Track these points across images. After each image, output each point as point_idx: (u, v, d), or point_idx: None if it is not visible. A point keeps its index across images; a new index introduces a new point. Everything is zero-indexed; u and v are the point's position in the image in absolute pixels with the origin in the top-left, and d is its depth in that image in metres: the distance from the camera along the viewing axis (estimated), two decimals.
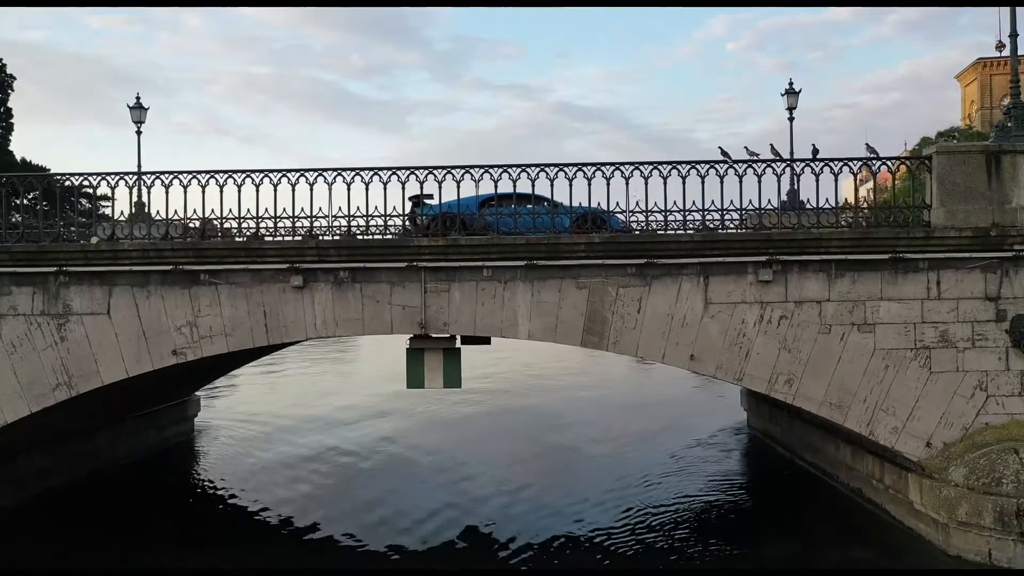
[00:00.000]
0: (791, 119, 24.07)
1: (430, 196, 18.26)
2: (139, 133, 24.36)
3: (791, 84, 23.69)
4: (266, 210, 13.67)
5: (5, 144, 74.16)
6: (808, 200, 18.11)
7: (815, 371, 13.20)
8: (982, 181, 13.09)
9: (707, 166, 13.37)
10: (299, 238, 13.60)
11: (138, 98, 24.23)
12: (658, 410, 27.85)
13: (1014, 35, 14.44)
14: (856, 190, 13.95)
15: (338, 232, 13.63)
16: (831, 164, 13.45)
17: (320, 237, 13.60)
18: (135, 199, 23.47)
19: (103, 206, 71.39)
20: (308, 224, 13.62)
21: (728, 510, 17.12)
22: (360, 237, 13.59)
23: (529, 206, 14.00)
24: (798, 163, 13.63)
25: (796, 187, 22.94)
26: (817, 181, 13.33)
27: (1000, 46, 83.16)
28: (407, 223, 15.99)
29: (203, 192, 13.68)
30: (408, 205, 14.33)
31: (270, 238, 13.67)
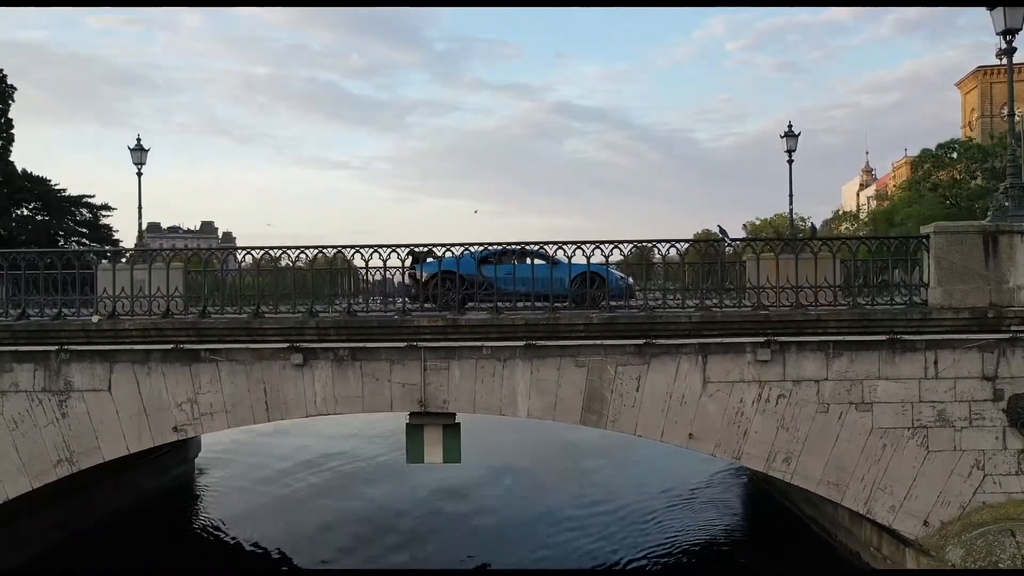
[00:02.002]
0: (790, 161, 24.14)
1: (430, 252, 18.40)
2: (140, 175, 24.45)
3: (790, 127, 23.77)
4: (266, 285, 13.73)
5: (6, 155, 74.17)
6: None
7: (813, 450, 13.27)
8: (979, 261, 13.13)
9: (706, 245, 13.42)
10: (299, 314, 13.64)
11: (139, 139, 24.35)
12: (657, 444, 27.95)
13: (1011, 103, 14.48)
14: (853, 278, 13.93)
15: (338, 309, 13.67)
16: (829, 243, 13.51)
17: (320, 315, 13.65)
18: (136, 242, 23.60)
19: (104, 215, 69.99)
20: (308, 302, 13.65)
21: (723, 560, 17.25)
22: (360, 314, 13.64)
23: (529, 261, 14.18)
24: (796, 242, 13.63)
25: (795, 227, 23.05)
26: (815, 260, 13.37)
27: (1000, 53, 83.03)
28: (406, 279, 16.11)
29: (204, 268, 13.74)
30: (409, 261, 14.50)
31: (270, 314, 13.70)
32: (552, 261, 17.70)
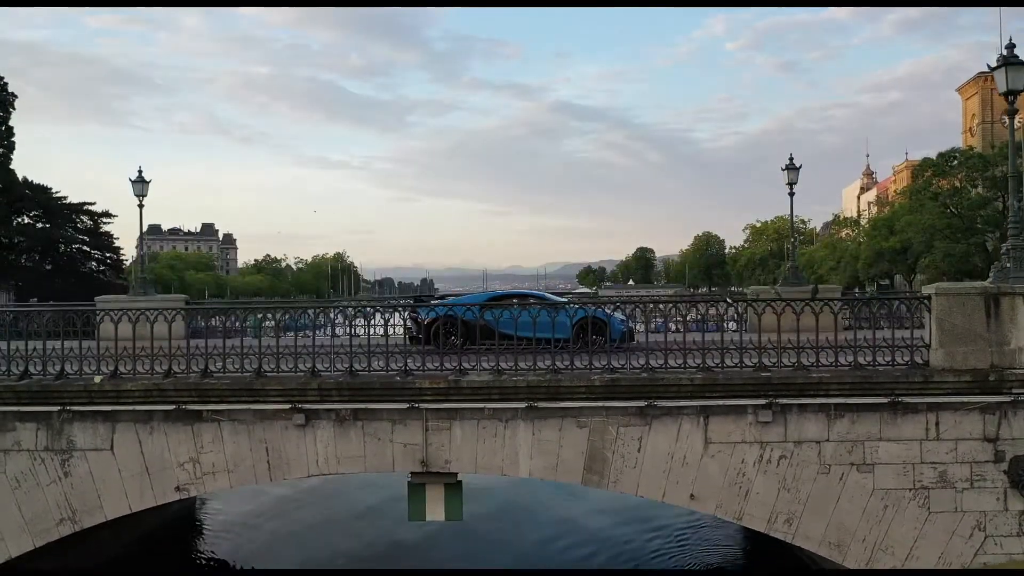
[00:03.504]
0: (791, 194, 24.11)
1: (432, 295, 18.39)
2: (141, 206, 24.40)
3: (791, 160, 23.72)
4: (268, 348, 13.73)
5: (7, 163, 74.09)
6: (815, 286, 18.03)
7: (814, 510, 13.27)
8: (981, 322, 13.13)
9: (707, 305, 13.43)
10: (301, 373, 13.64)
11: (140, 171, 24.26)
12: None
13: (1013, 160, 14.48)
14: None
15: (340, 369, 13.67)
16: (831, 304, 13.52)
17: (322, 374, 13.64)
18: (139, 272, 23.61)
19: (105, 222, 70.49)
20: (311, 362, 13.65)
21: None
22: (362, 374, 13.64)
23: (533, 309, 14.23)
24: (797, 303, 13.62)
25: (796, 263, 23.14)
26: (817, 320, 13.37)
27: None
28: (408, 322, 16.17)
29: (206, 328, 13.74)
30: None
31: (272, 374, 13.70)
32: (554, 306, 17.75)
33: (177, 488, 13.71)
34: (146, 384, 13.50)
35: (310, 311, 13.63)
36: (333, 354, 13.68)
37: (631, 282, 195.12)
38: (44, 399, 13.53)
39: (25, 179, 73.51)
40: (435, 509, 13.92)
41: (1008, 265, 13.63)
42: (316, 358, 13.73)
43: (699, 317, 13.46)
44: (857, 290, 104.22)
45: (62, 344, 13.83)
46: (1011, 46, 13.32)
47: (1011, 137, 13.85)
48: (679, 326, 14.32)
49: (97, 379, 13.54)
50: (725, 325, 15.16)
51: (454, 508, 13.91)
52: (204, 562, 20.38)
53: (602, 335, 15.32)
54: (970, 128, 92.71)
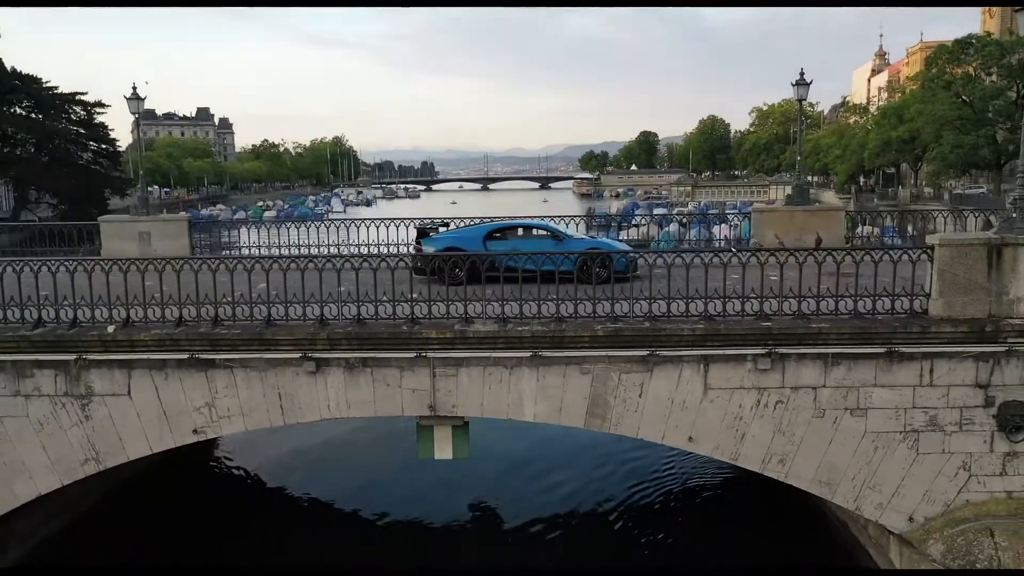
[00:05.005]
0: (800, 110, 23.60)
1: (435, 228, 18.49)
2: (138, 124, 23.97)
3: (802, 74, 23.11)
4: (276, 295, 13.91)
5: None
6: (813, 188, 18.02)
7: (807, 452, 13.82)
8: (982, 273, 13.25)
9: (711, 255, 13.51)
10: (310, 323, 13.88)
11: (134, 88, 23.66)
12: None
13: None
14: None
15: (348, 317, 13.90)
16: (834, 254, 13.59)
17: (331, 322, 13.89)
18: (140, 185, 23.52)
19: (98, 112, 68.86)
20: (319, 310, 13.87)
21: (714, 515, 18.24)
22: (369, 320, 13.89)
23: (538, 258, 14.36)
24: (800, 252, 13.69)
25: (802, 182, 22.99)
26: (819, 269, 13.48)
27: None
28: (414, 254, 16.38)
29: (214, 277, 13.89)
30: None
31: (282, 322, 13.94)
32: (558, 236, 17.86)
33: (195, 431, 14.22)
34: (158, 334, 13.76)
35: (318, 261, 13.66)
36: (341, 301, 13.85)
37: (634, 167, 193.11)
38: (60, 348, 13.83)
39: (13, 69, 71.63)
40: (443, 448, 14.49)
41: (1014, 215, 13.59)
42: (324, 306, 13.93)
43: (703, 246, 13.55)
44: (861, 179, 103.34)
45: (73, 291, 13.99)
46: None
47: None
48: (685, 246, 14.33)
49: (110, 329, 13.80)
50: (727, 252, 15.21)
51: (461, 447, 14.47)
52: (218, 468, 21.46)
53: (606, 267, 15.50)
54: (989, 11, 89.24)
